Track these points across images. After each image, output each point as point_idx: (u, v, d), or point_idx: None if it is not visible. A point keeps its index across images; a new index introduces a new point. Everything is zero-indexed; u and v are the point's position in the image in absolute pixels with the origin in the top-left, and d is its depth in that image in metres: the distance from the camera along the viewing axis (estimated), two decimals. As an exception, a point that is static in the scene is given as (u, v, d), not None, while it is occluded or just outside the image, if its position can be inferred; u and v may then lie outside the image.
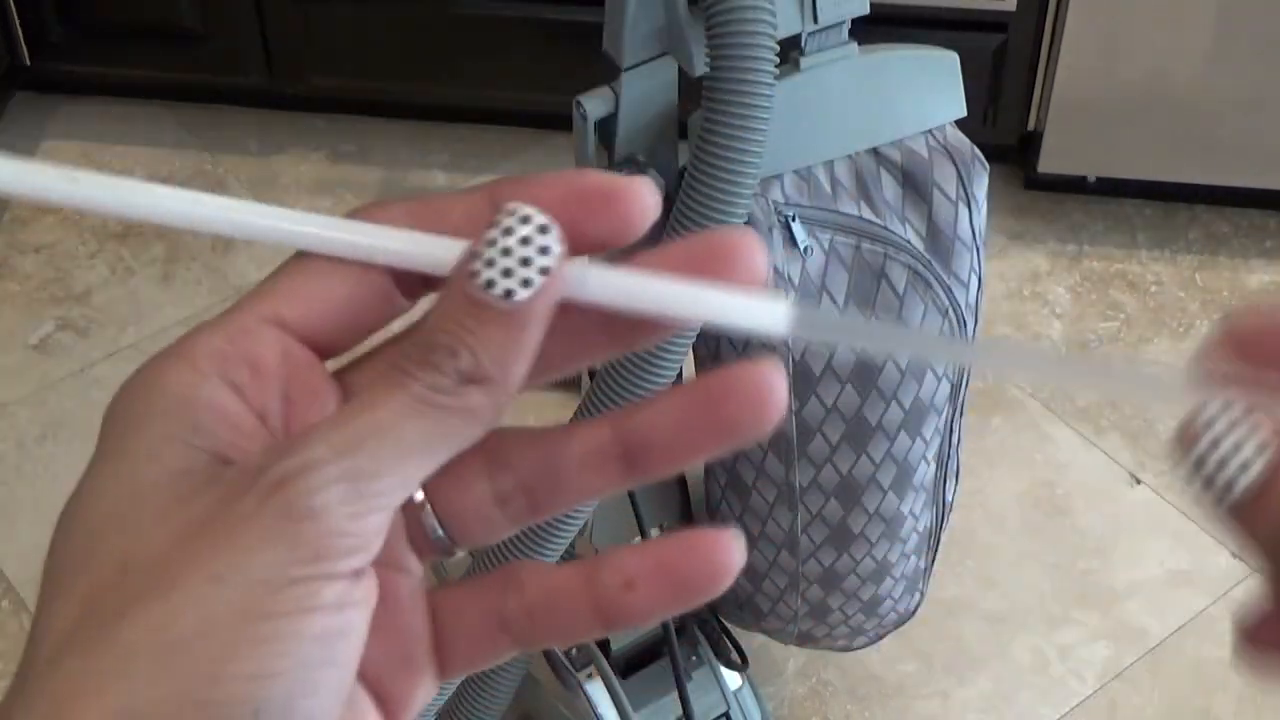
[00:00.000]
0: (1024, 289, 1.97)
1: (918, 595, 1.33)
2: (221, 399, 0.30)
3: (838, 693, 1.57)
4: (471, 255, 0.30)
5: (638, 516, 1.19)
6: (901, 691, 1.57)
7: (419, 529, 0.32)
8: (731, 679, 1.39)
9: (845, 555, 1.23)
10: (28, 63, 2.14)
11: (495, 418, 0.30)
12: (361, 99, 2.17)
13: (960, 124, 1.12)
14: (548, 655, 1.38)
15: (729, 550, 0.31)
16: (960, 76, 1.10)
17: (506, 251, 0.29)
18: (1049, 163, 1.99)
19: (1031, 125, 1.99)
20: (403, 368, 0.30)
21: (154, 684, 0.27)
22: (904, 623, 1.36)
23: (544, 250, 0.29)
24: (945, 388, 1.15)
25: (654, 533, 1.31)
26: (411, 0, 2.01)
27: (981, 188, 1.11)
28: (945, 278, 1.11)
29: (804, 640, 1.36)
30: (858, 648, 1.39)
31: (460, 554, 0.33)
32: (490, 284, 0.29)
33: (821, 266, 1.08)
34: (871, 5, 1.03)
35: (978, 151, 1.11)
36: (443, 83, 2.09)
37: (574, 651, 1.38)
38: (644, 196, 0.31)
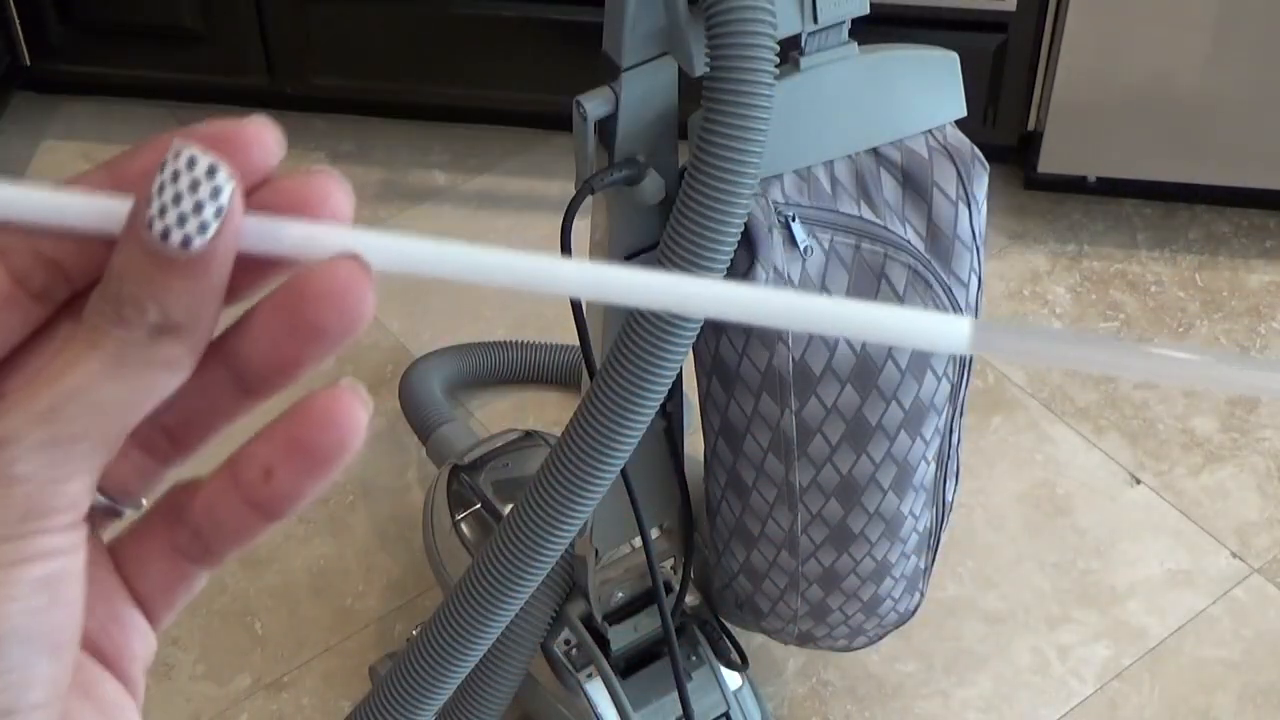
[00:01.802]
0: (1024, 289, 1.97)
1: (918, 595, 1.33)
2: None
3: (838, 693, 1.57)
4: (144, 204, 0.29)
5: (638, 516, 1.19)
6: (901, 691, 1.57)
7: None
8: (731, 679, 1.39)
9: (845, 555, 1.23)
10: (28, 63, 2.14)
11: (192, 365, 0.30)
12: (361, 99, 2.17)
13: (960, 124, 1.12)
14: (548, 655, 1.38)
15: (346, 406, 0.31)
16: (960, 76, 1.10)
17: (177, 198, 0.29)
18: (1049, 163, 1.99)
19: (1031, 125, 1.99)
20: (94, 325, 0.30)
21: None
22: (904, 623, 1.36)
23: (215, 192, 0.29)
24: (945, 388, 1.15)
25: (654, 534, 1.31)
26: (411, 0, 2.01)
27: (981, 188, 1.11)
28: (945, 278, 1.11)
29: (804, 640, 1.36)
30: (858, 648, 1.39)
31: (130, 513, 0.33)
32: (166, 233, 0.29)
33: (821, 266, 1.08)
34: (871, 5, 1.03)
35: (978, 151, 1.11)
36: (443, 83, 2.09)
37: (574, 651, 1.38)
38: (261, 134, 0.31)
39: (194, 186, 0.29)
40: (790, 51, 1.02)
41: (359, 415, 0.31)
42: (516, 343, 1.83)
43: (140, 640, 0.33)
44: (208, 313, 0.30)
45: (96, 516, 0.32)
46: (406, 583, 1.65)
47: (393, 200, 2.09)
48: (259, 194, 0.31)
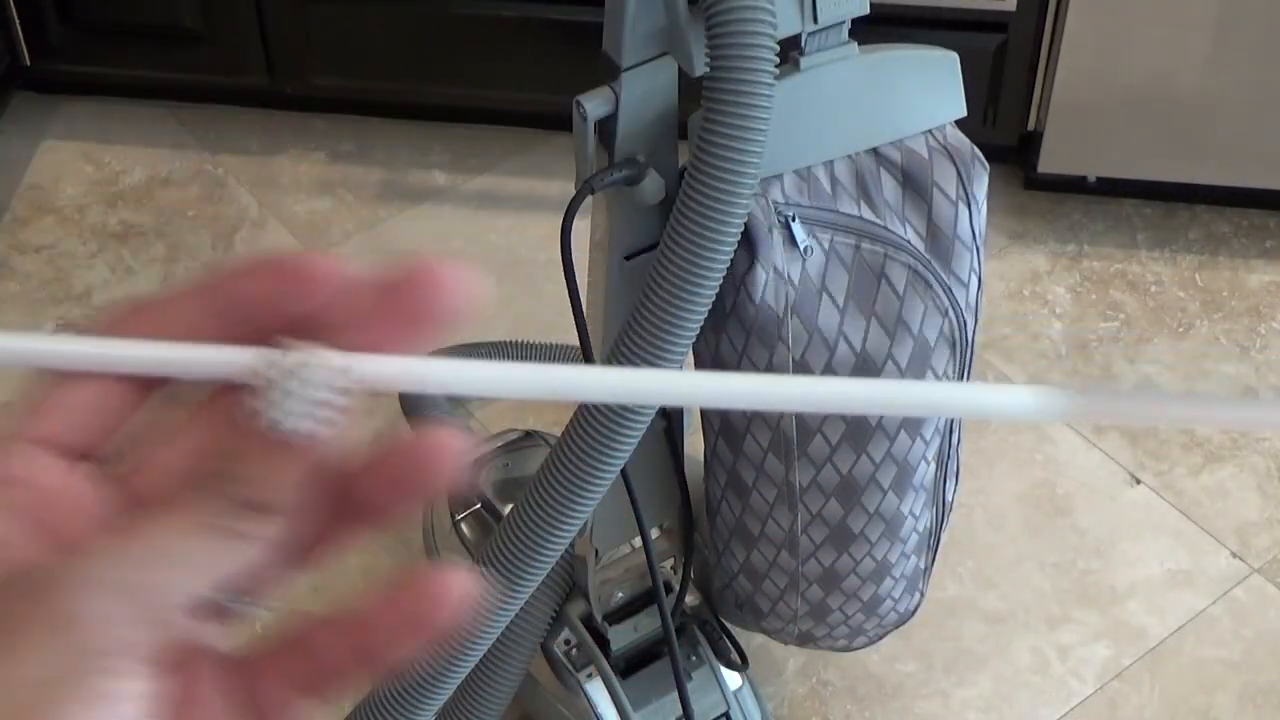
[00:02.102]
0: (1024, 289, 1.97)
1: (918, 595, 1.33)
2: None
3: (838, 693, 1.57)
4: (251, 387, 0.31)
5: (638, 516, 1.19)
6: (901, 691, 1.57)
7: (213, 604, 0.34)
8: (731, 679, 1.39)
9: (845, 555, 1.23)
10: (28, 63, 2.14)
11: (271, 539, 0.32)
12: (361, 99, 2.17)
13: (960, 124, 1.12)
14: (548, 655, 1.38)
15: (453, 586, 0.33)
16: (960, 76, 1.10)
17: (284, 390, 0.31)
18: (1049, 163, 1.99)
19: (1031, 125, 1.99)
20: (189, 491, 0.32)
21: None
22: (904, 623, 1.36)
23: (329, 391, 0.31)
24: (945, 388, 1.15)
25: (654, 534, 1.31)
26: (411, 0, 2.01)
27: (981, 188, 1.11)
28: (945, 278, 1.11)
29: (804, 640, 1.36)
30: (858, 648, 1.39)
31: (256, 613, 0.35)
32: (267, 419, 0.31)
33: (821, 266, 1.08)
34: (871, 5, 1.03)
35: (978, 151, 1.11)
36: (443, 83, 2.09)
37: (574, 651, 1.38)
38: (325, 268, 0.33)
39: (304, 382, 0.31)
40: (790, 51, 1.02)
41: (460, 600, 0.34)
42: (516, 343, 1.83)
43: None
44: (293, 495, 0.32)
45: (218, 615, 0.34)
46: (406, 583, 1.65)
47: (393, 200, 2.09)
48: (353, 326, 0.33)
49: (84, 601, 0.30)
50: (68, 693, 0.29)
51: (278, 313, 0.33)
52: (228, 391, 0.33)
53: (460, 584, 0.33)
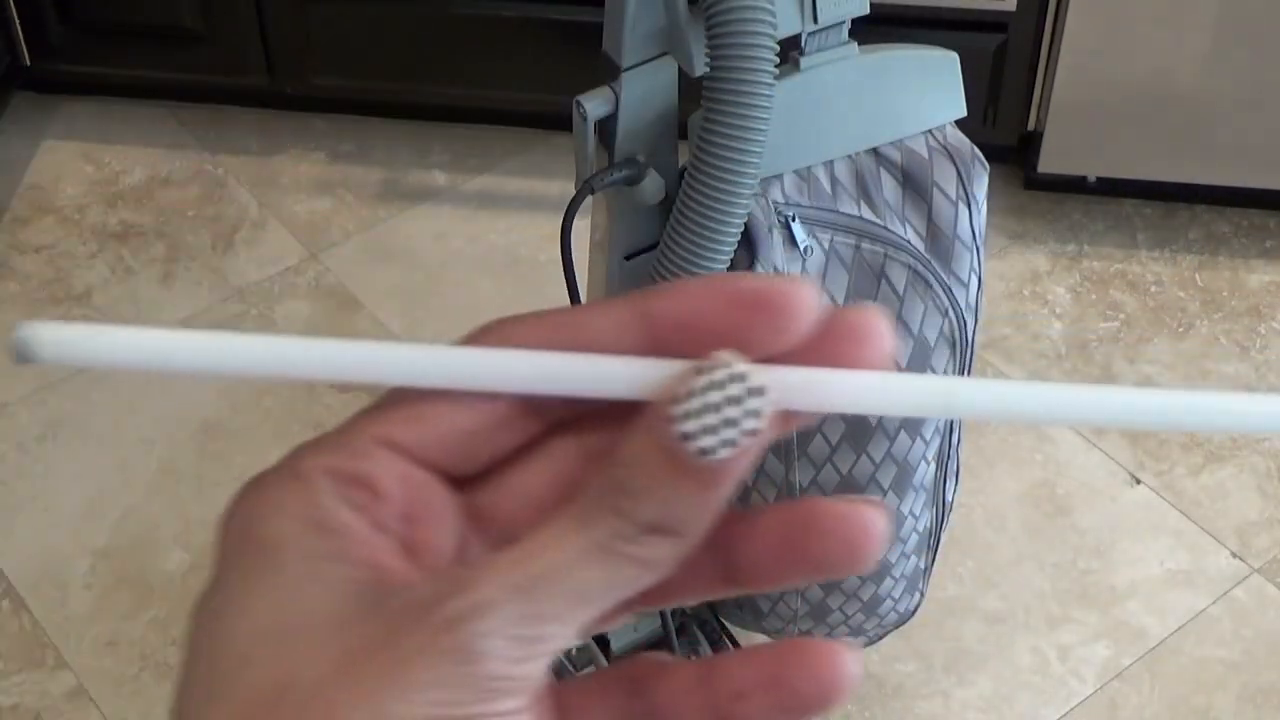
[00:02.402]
0: (1024, 289, 1.97)
1: (917, 595, 1.33)
2: (348, 520, 0.30)
3: (838, 693, 1.57)
4: (674, 401, 0.28)
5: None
6: (901, 691, 1.57)
7: None
8: (731, 679, 1.39)
9: (845, 555, 1.23)
10: (28, 63, 2.14)
11: (672, 567, 0.30)
12: (361, 99, 2.17)
13: (960, 124, 1.12)
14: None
15: (839, 662, 0.30)
16: (960, 76, 1.10)
17: (712, 406, 0.28)
18: (1049, 163, 1.99)
19: (1031, 125, 1.99)
20: (589, 506, 0.29)
21: None
22: (904, 623, 1.36)
23: (752, 413, 0.28)
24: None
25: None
26: (411, 0, 2.01)
27: (981, 188, 1.11)
28: (945, 278, 1.11)
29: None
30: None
31: (579, 642, 0.32)
32: (689, 437, 0.28)
33: (821, 266, 1.08)
34: (871, 5, 1.03)
35: (978, 151, 1.11)
36: (443, 83, 2.09)
37: (574, 651, 1.38)
38: (805, 300, 0.29)
39: (733, 401, 0.28)
40: (790, 51, 1.02)
41: (849, 676, 0.30)
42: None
43: None
44: (705, 523, 0.29)
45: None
46: (406, 583, 1.65)
47: (393, 200, 2.09)
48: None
49: (484, 636, 0.28)
50: None
51: (731, 347, 0.29)
52: (608, 416, 0.30)
53: (846, 664, 0.30)
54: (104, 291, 1.96)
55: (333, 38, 2.06)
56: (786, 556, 0.30)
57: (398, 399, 0.31)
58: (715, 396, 0.28)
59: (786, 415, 0.30)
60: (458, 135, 2.17)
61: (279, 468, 0.31)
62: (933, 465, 1.21)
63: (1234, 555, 1.68)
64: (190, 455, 1.77)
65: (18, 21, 2.09)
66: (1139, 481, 1.76)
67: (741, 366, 0.28)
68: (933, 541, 1.29)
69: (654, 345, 0.30)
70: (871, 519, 0.30)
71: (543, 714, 0.31)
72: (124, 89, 2.21)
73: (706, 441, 0.28)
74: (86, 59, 2.15)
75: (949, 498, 1.27)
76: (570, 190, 1.06)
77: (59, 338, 0.30)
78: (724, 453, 0.28)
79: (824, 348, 0.30)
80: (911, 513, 1.22)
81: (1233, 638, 1.61)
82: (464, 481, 0.32)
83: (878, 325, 0.30)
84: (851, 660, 0.30)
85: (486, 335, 0.31)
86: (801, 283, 0.30)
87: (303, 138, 2.17)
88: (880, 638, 1.38)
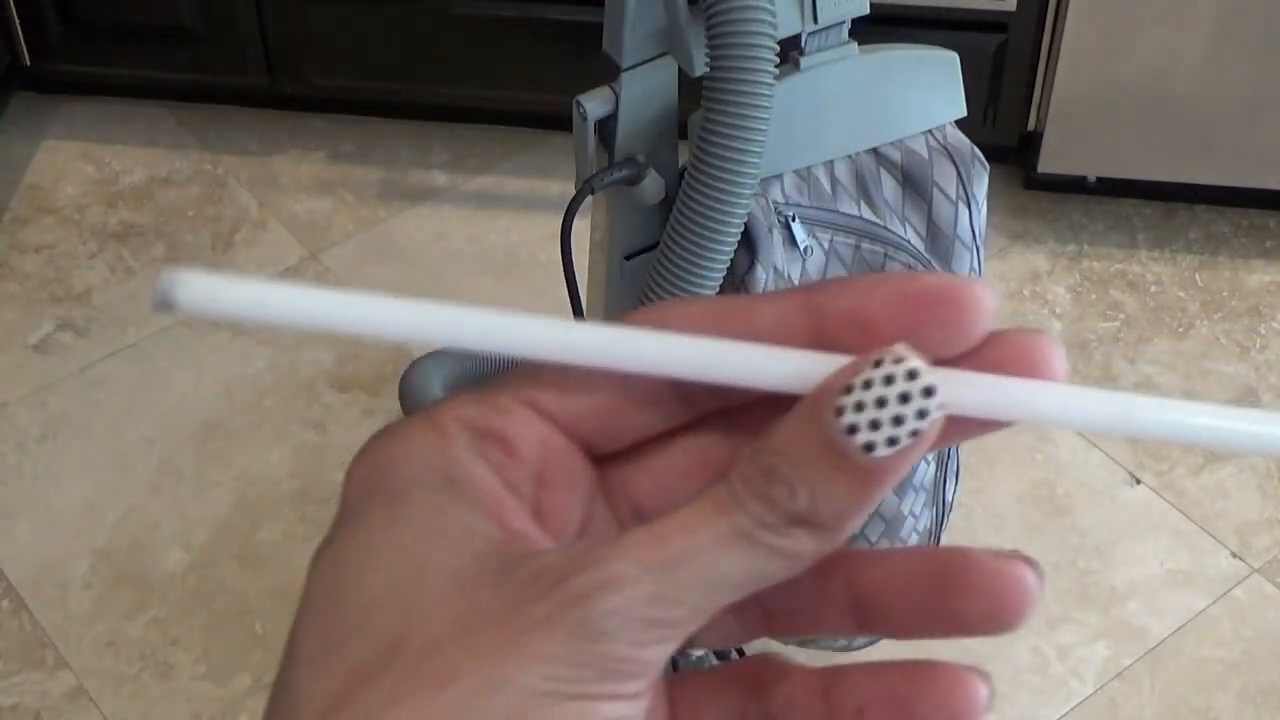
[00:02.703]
0: (1024, 289, 1.97)
1: (918, 595, 1.33)
2: (479, 473, 0.29)
3: (838, 693, 1.57)
4: (841, 391, 0.27)
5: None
6: (901, 691, 1.57)
7: None
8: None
9: (845, 555, 1.23)
10: (28, 63, 2.14)
11: (811, 564, 0.28)
12: (361, 99, 2.17)
13: (960, 124, 1.12)
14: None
15: (971, 691, 0.29)
16: (960, 76, 1.10)
17: (880, 401, 0.27)
18: (1049, 163, 1.99)
19: (1031, 125, 1.99)
20: (734, 490, 0.28)
21: None
22: (904, 623, 1.36)
23: (921, 413, 0.27)
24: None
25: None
26: (411, 0, 2.01)
27: (981, 188, 1.11)
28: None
29: (804, 640, 1.36)
30: (858, 648, 1.39)
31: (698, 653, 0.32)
32: (853, 429, 0.27)
33: (821, 266, 1.08)
34: (871, 5, 1.03)
35: (978, 151, 1.11)
36: (443, 83, 2.09)
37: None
38: (983, 300, 0.28)
39: (903, 398, 0.27)
40: (790, 51, 1.02)
41: (979, 705, 0.29)
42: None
43: None
44: (855, 521, 0.28)
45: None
46: (406, 583, 1.65)
47: (393, 200, 2.09)
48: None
49: (609, 616, 0.27)
50: (568, 710, 0.27)
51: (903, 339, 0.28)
52: (758, 406, 0.29)
53: (978, 692, 0.29)
54: (104, 291, 1.96)
55: (333, 38, 2.06)
56: (924, 606, 0.29)
57: (550, 368, 0.30)
58: (884, 391, 0.27)
59: (955, 423, 0.28)
60: (458, 135, 2.17)
61: (417, 416, 0.30)
62: (933, 465, 1.20)
63: (1234, 555, 1.68)
64: (190, 455, 1.77)
65: (18, 21, 2.09)
66: (1139, 481, 1.76)
67: (916, 362, 0.27)
68: (933, 541, 1.29)
69: (820, 339, 0.29)
70: (1024, 578, 0.28)
71: (656, 703, 0.30)
72: (124, 89, 2.21)
73: (870, 436, 0.27)
74: (86, 59, 2.15)
75: (949, 498, 1.27)
76: (570, 190, 1.06)
77: (203, 287, 0.29)
78: (886, 450, 0.27)
79: (994, 364, 0.28)
80: (911, 513, 1.22)
81: (1233, 638, 1.61)
82: (602, 459, 0.31)
83: (1052, 351, 0.28)
84: (984, 689, 0.29)
85: (647, 316, 0.30)
86: (981, 283, 0.28)
87: (303, 138, 2.17)
88: (880, 638, 1.38)
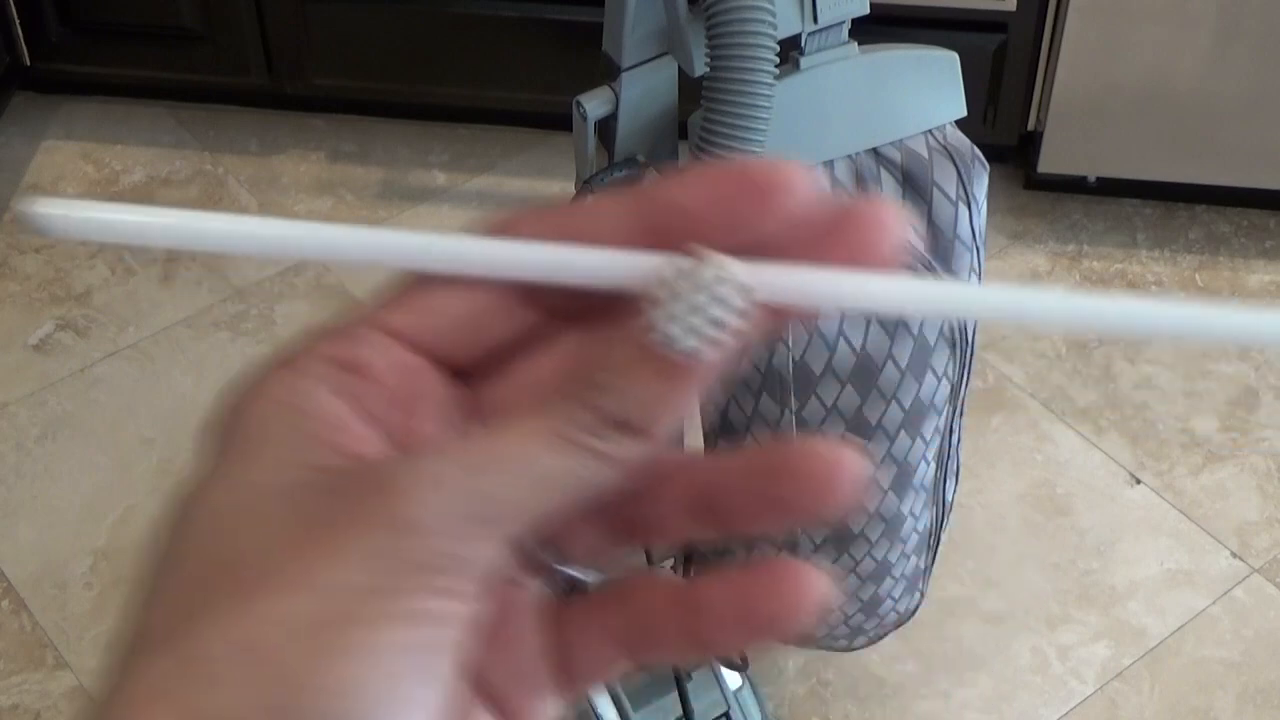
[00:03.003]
0: (1024, 289, 1.97)
1: (918, 595, 1.33)
2: (331, 406, 0.29)
3: (838, 693, 1.57)
4: (650, 297, 0.28)
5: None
6: (901, 691, 1.57)
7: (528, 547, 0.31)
8: (731, 679, 1.39)
9: (845, 555, 1.23)
10: (28, 63, 2.14)
11: (633, 466, 0.29)
12: (361, 99, 2.17)
13: (960, 124, 1.12)
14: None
15: (807, 585, 0.30)
16: (960, 76, 1.10)
17: (684, 300, 0.28)
18: (1049, 163, 1.99)
19: (1031, 125, 1.99)
20: (554, 400, 0.29)
21: (229, 690, 0.26)
22: (904, 623, 1.36)
23: (730, 312, 0.28)
24: (945, 388, 1.15)
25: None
26: (411, 0, 2.01)
27: (981, 188, 1.11)
28: (945, 278, 1.11)
29: (804, 640, 1.36)
30: (858, 648, 1.39)
31: (586, 575, 0.32)
32: (659, 328, 0.28)
33: (821, 266, 1.08)
34: (871, 5, 1.03)
35: (978, 151, 1.11)
36: (443, 83, 2.09)
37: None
38: (795, 179, 0.29)
39: (707, 295, 0.28)
40: (790, 51, 1.02)
41: (815, 597, 0.30)
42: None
43: (548, 710, 0.32)
44: (669, 421, 0.29)
45: (541, 570, 0.32)
46: (406, 583, 1.65)
47: (393, 200, 2.09)
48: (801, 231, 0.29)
49: (425, 509, 0.27)
50: (389, 607, 0.27)
51: (723, 230, 0.28)
52: (611, 307, 0.30)
53: (818, 585, 0.30)
54: (104, 291, 1.96)
55: (333, 38, 2.06)
56: (759, 497, 0.30)
57: (401, 289, 0.31)
58: (688, 290, 0.28)
59: (774, 313, 0.29)
60: (458, 135, 2.17)
61: (276, 357, 0.31)
62: (933, 465, 1.21)
63: (1234, 555, 1.68)
64: (190, 455, 1.77)
65: (18, 21, 2.09)
66: (1139, 481, 1.76)
67: (717, 259, 0.28)
68: (933, 541, 1.29)
69: (653, 234, 0.29)
70: (846, 458, 0.29)
71: (527, 624, 0.31)
72: (124, 89, 2.21)
73: (676, 334, 0.28)
74: (86, 59, 2.15)
75: (949, 498, 1.27)
76: (570, 190, 1.06)
77: (70, 213, 0.30)
78: (692, 345, 0.28)
79: (827, 238, 0.29)
80: (911, 513, 1.22)
81: (1233, 638, 1.61)
82: (470, 375, 0.32)
83: (886, 216, 0.29)
84: (819, 581, 0.30)
85: (496, 227, 0.31)
86: (795, 165, 0.29)
87: (303, 138, 2.17)
88: (880, 638, 1.38)
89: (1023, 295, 0.29)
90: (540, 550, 0.31)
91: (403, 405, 0.30)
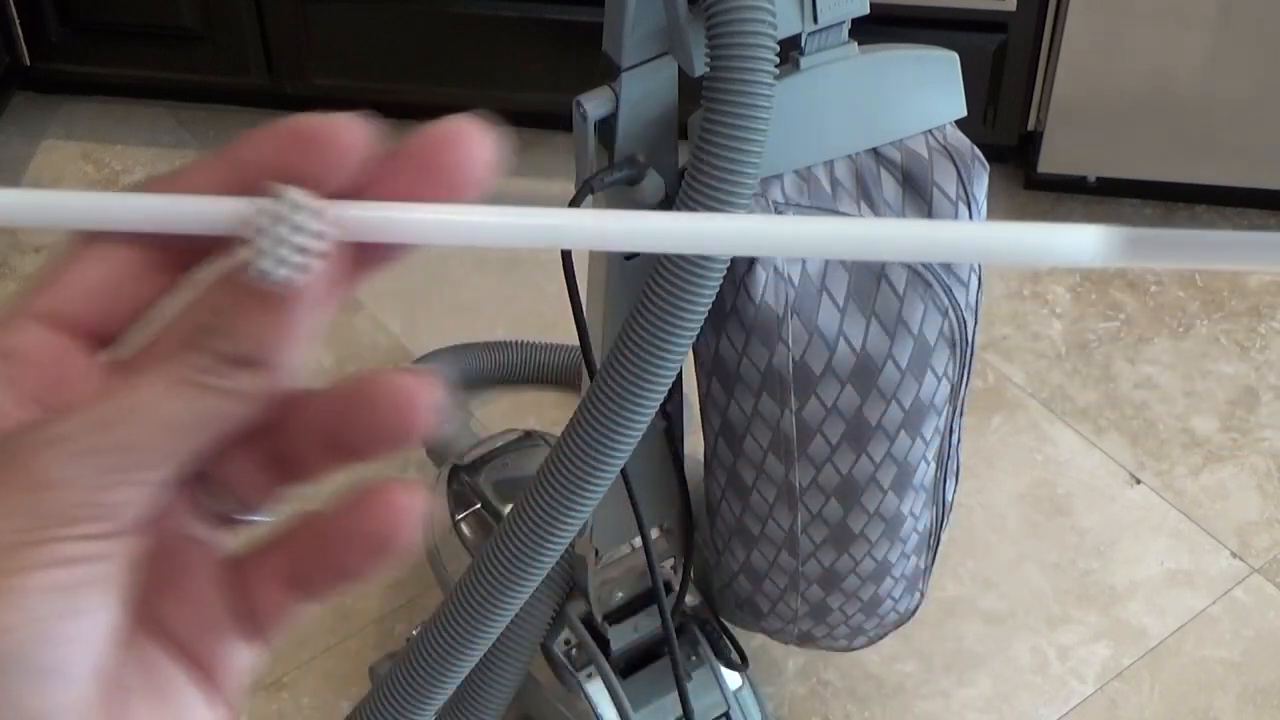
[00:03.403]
0: (1024, 289, 1.97)
1: (917, 595, 1.33)
2: None
3: (838, 693, 1.57)
4: (238, 237, 0.30)
5: (638, 516, 1.19)
6: (901, 691, 1.57)
7: (201, 500, 0.33)
8: (731, 679, 1.39)
9: (845, 555, 1.23)
10: (28, 63, 2.14)
11: (259, 399, 0.31)
12: (361, 99, 2.16)
13: (960, 124, 1.12)
14: (548, 655, 1.38)
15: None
16: (960, 76, 1.10)
17: (275, 238, 0.30)
18: (1049, 163, 1.99)
19: (1031, 125, 1.99)
20: (168, 349, 0.31)
21: None
22: (904, 623, 1.36)
23: (313, 236, 0.30)
24: (945, 388, 1.15)
25: (654, 533, 1.31)
26: (411, 0, 2.01)
27: (981, 188, 1.11)
28: (945, 277, 1.11)
29: (804, 640, 1.36)
30: (858, 648, 1.39)
31: (259, 521, 0.34)
32: (256, 267, 0.30)
33: (821, 266, 1.08)
34: (871, 5, 1.03)
35: (978, 151, 1.11)
36: (443, 83, 2.09)
37: (574, 651, 1.38)
38: (346, 133, 0.31)
39: (291, 227, 0.30)
40: (790, 51, 1.02)
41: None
42: (516, 343, 1.83)
43: (237, 653, 0.34)
44: (283, 352, 0.31)
45: (213, 516, 0.33)
46: (406, 583, 1.65)
47: (393, 200, 2.09)
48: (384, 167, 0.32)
49: (52, 463, 0.29)
50: (33, 557, 0.29)
51: (300, 183, 0.31)
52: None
53: (413, 500, 0.32)
54: (104, 291, 1.96)
55: (333, 38, 2.06)
56: (335, 432, 0.32)
57: (45, 271, 0.33)
58: (270, 224, 0.30)
59: (363, 251, 0.31)
60: (458, 135, 2.17)
61: None
62: (933, 465, 1.20)
63: (1234, 555, 1.68)
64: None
65: (18, 21, 2.09)
66: (1139, 481, 1.76)
67: (292, 193, 0.30)
68: (933, 541, 1.29)
69: (244, 188, 0.31)
70: (416, 387, 0.31)
71: (204, 573, 0.33)
72: (124, 89, 2.21)
73: (268, 267, 0.30)
74: (86, 59, 2.15)
75: (949, 498, 1.27)
76: (570, 190, 1.06)
77: None
78: (284, 275, 0.30)
79: (417, 173, 0.31)
80: (911, 513, 1.22)
81: (1233, 638, 1.61)
82: (120, 342, 0.33)
83: (467, 135, 0.31)
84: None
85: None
86: (348, 119, 0.31)
87: (303, 138, 2.17)
88: (880, 638, 1.38)
89: (587, 219, 0.32)
90: (210, 499, 0.33)
91: (56, 383, 0.32)
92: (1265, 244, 0.30)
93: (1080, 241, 0.30)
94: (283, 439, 0.33)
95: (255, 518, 0.34)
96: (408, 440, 0.32)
